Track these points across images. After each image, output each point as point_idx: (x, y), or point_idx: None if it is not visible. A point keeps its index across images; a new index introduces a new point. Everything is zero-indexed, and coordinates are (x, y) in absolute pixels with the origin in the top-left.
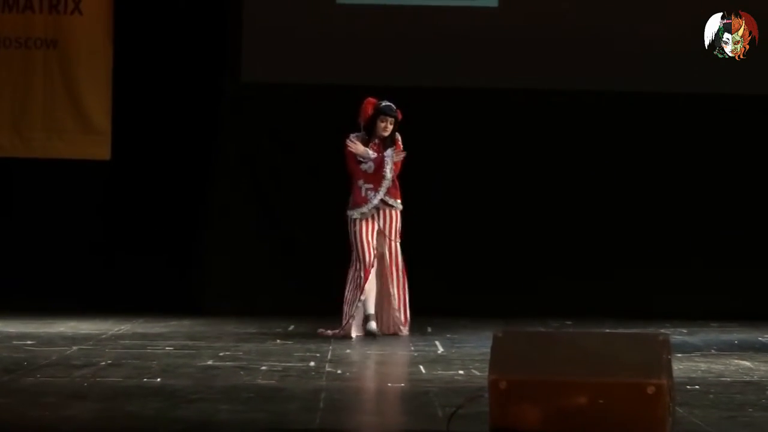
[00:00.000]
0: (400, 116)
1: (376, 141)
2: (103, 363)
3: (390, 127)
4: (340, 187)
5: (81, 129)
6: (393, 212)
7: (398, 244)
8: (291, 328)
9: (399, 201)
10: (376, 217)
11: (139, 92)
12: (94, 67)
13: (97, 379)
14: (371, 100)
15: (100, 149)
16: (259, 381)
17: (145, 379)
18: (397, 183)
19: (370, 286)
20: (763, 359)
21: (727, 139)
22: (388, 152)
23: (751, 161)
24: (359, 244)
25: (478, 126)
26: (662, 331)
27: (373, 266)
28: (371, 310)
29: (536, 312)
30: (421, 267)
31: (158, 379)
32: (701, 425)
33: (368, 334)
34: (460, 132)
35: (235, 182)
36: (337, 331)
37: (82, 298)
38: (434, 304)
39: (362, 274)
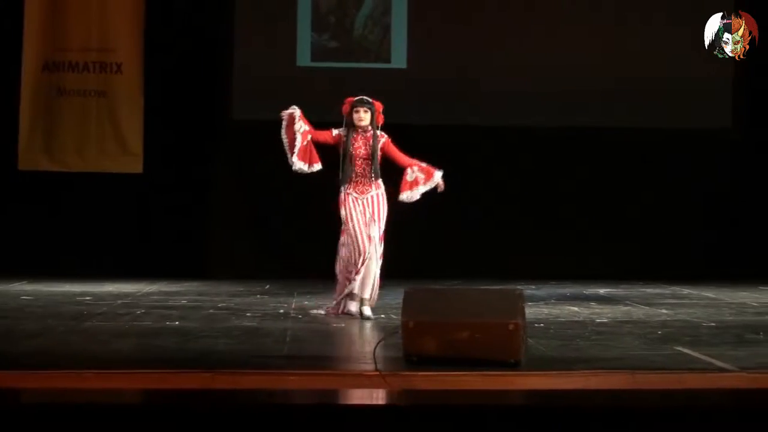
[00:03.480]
0: (378, 106)
1: (365, 134)
2: (139, 312)
3: (364, 116)
4: (306, 193)
5: (121, 151)
6: (379, 197)
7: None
8: (267, 287)
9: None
10: (366, 203)
11: (161, 126)
12: (130, 109)
13: (135, 323)
14: (349, 99)
15: (135, 165)
16: (245, 323)
17: (167, 323)
18: (379, 171)
19: (366, 272)
20: (586, 306)
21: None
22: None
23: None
24: (355, 233)
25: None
26: (518, 287)
27: (367, 255)
28: (366, 294)
29: (435, 275)
30: None
31: (177, 323)
32: (544, 350)
33: (363, 318)
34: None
35: (229, 188)
36: (333, 308)
37: (124, 266)
38: None
39: (359, 262)
